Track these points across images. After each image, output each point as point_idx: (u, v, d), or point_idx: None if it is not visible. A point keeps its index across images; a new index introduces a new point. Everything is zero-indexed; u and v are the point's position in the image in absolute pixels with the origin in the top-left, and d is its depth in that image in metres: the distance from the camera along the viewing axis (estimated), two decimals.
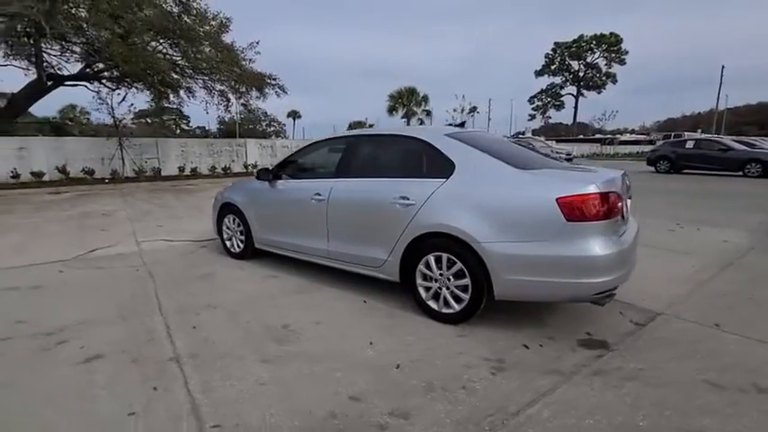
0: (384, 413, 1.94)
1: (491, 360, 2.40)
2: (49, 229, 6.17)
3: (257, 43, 16.50)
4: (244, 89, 15.98)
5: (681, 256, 4.57)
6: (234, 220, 4.45)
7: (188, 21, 12.99)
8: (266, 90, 17.18)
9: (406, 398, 2.05)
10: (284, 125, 65.64)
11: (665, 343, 2.59)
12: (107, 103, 13.11)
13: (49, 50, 13.25)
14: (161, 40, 13.28)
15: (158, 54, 12.72)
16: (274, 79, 17.63)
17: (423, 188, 2.90)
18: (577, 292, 2.46)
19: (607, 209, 2.43)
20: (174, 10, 12.95)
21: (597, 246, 2.38)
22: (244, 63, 15.74)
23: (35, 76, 13.33)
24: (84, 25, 10.86)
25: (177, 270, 4.16)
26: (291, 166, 4.08)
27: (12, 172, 11.89)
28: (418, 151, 3.12)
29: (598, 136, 47.56)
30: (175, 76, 14.09)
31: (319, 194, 3.50)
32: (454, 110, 26.54)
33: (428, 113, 35.88)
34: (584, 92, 53.73)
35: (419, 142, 3.11)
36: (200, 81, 14.67)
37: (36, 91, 13.84)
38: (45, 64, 13.58)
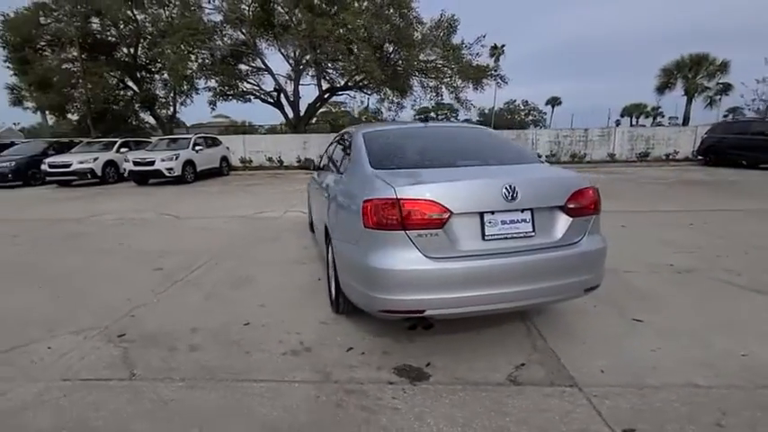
0: (188, 344, 2.60)
1: (304, 346, 2.54)
2: (264, 197, 9.28)
3: (483, 37, 17.12)
4: (460, 83, 16.97)
5: None
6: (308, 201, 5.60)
7: (403, 28, 15.06)
8: (485, 81, 17.58)
9: (214, 343, 2.62)
10: (544, 114, 62.12)
11: (488, 410, 1.91)
12: (351, 106, 17.13)
13: (328, 71, 18.50)
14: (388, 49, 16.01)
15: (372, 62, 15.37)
16: (495, 71, 17.79)
17: (332, 182, 3.10)
18: (367, 304, 2.20)
19: (406, 219, 2.04)
20: (399, 22, 15.27)
21: (383, 258, 2.06)
22: (467, 58, 16.73)
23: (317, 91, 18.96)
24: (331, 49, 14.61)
25: (270, 231, 5.73)
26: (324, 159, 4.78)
27: (297, 158, 17.60)
28: (347, 148, 3.25)
29: None
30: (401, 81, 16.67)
31: (325, 184, 4.11)
32: (757, 81, 17.81)
33: (725, 88, 24.80)
34: None
35: (350, 138, 3.23)
36: (416, 80, 16.70)
37: (319, 100, 19.60)
38: (328, 79, 19.07)
